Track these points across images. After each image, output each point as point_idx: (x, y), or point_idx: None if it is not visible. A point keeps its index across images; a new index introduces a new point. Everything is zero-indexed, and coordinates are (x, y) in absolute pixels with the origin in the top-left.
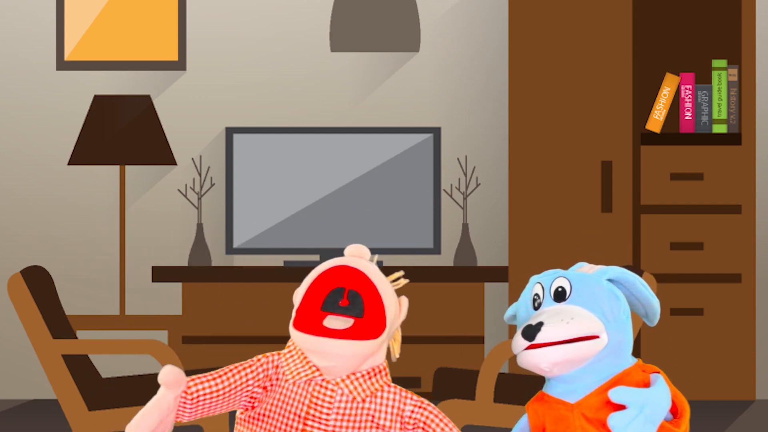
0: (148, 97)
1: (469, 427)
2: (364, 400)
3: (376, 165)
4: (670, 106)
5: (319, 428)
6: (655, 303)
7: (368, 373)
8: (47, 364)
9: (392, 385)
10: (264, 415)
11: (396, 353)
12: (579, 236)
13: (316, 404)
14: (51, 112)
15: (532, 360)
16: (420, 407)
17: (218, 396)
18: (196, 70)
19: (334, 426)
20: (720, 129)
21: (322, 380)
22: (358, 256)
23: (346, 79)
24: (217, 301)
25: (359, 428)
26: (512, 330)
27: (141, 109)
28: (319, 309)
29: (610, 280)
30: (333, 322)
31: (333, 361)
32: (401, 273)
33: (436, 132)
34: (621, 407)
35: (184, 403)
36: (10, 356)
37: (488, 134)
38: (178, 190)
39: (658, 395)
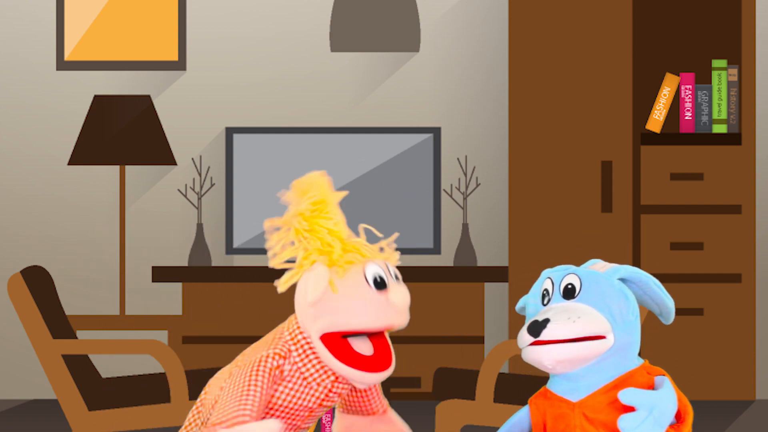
0: (148, 97)
1: (469, 427)
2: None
3: (376, 165)
4: (670, 106)
5: (320, 414)
6: (669, 302)
7: None
8: (47, 364)
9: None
10: (269, 407)
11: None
12: (579, 236)
13: (332, 399)
14: (51, 112)
15: (536, 356)
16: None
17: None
18: (196, 70)
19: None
20: (720, 129)
21: (345, 381)
22: (396, 305)
23: (346, 79)
24: (217, 301)
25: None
26: (513, 330)
27: (141, 109)
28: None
29: (621, 280)
30: (361, 345)
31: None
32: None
33: (436, 132)
34: (627, 408)
35: None
36: (10, 356)
37: (488, 134)
38: (178, 190)
39: (666, 398)
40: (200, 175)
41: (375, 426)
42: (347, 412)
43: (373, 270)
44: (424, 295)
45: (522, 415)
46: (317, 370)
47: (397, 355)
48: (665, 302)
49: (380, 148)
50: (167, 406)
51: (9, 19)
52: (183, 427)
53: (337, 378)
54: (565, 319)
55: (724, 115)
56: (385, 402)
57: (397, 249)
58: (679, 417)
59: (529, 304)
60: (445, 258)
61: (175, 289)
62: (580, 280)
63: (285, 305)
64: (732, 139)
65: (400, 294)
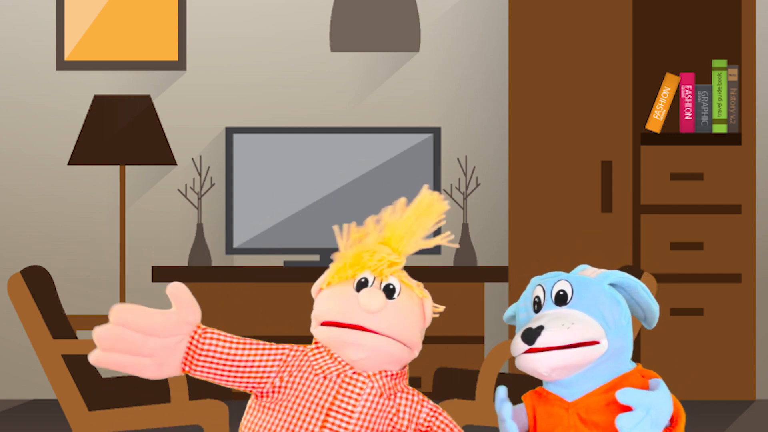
0: (148, 97)
1: (469, 427)
2: (388, 398)
3: (376, 165)
4: (670, 106)
5: (342, 420)
6: (655, 307)
7: (396, 374)
8: (47, 364)
9: (410, 388)
10: (282, 404)
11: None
12: (579, 236)
13: (344, 396)
14: (51, 112)
15: (531, 364)
16: (434, 413)
17: (234, 358)
18: (196, 70)
19: (358, 419)
20: (720, 129)
21: (353, 373)
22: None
23: (346, 79)
24: (217, 301)
25: (379, 425)
26: (512, 330)
27: (141, 109)
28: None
29: (611, 285)
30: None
31: (363, 353)
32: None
33: (436, 132)
34: (624, 409)
35: (197, 347)
36: (10, 356)
37: (488, 134)
38: (178, 190)
39: (663, 399)
40: (200, 175)
41: None
42: None
43: (363, 275)
44: None
45: (519, 408)
46: (325, 360)
47: None
48: (651, 307)
49: (380, 148)
50: (167, 406)
51: (9, 19)
52: None
53: (346, 368)
54: (559, 326)
55: (724, 115)
56: None
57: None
58: (672, 421)
59: (520, 313)
60: (445, 258)
61: None
62: (571, 286)
63: (285, 305)
64: (732, 139)
65: (369, 297)
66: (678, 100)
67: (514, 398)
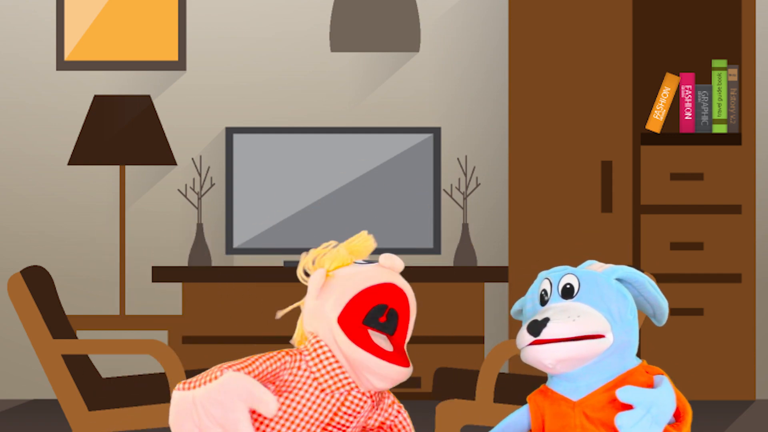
0: (148, 97)
1: (469, 427)
2: (375, 406)
3: (376, 165)
4: (670, 106)
5: None
6: (664, 303)
7: None
8: (47, 364)
9: (390, 393)
10: (280, 417)
11: None
12: (579, 236)
13: (345, 413)
14: (51, 112)
15: (536, 356)
16: (400, 412)
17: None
18: (196, 70)
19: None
20: (720, 129)
21: (358, 392)
22: (390, 268)
23: (346, 79)
24: (217, 301)
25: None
26: (513, 330)
27: (141, 109)
28: (360, 322)
29: (618, 280)
30: (381, 341)
31: (388, 385)
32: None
33: (436, 132)
34: (626, 407)
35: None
36: (10, 356)
37: (488, 134)
38: (178, 190)
39: (665, 396)
40: (200, 175)
41: None
42: None
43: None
44: (424, 295)
45: (521, 411)
46: (332, 376)
47: None
48: (660, 303)
49: (380, 148)
50: (167, 406)
51: (9, 19)
52: None
53: (352, 387)
54: (564, 318)
55: (724, 115)
56: None
57: (397, 249)
58: (678, 416)
59: (527, 306)
60: (445, 258)
61: (175, 289)
62: (578, 280)
63: (285, 305)
64: (732, 139)
65: (388, 257)
66: (678, 100)
67: (515, 398)
